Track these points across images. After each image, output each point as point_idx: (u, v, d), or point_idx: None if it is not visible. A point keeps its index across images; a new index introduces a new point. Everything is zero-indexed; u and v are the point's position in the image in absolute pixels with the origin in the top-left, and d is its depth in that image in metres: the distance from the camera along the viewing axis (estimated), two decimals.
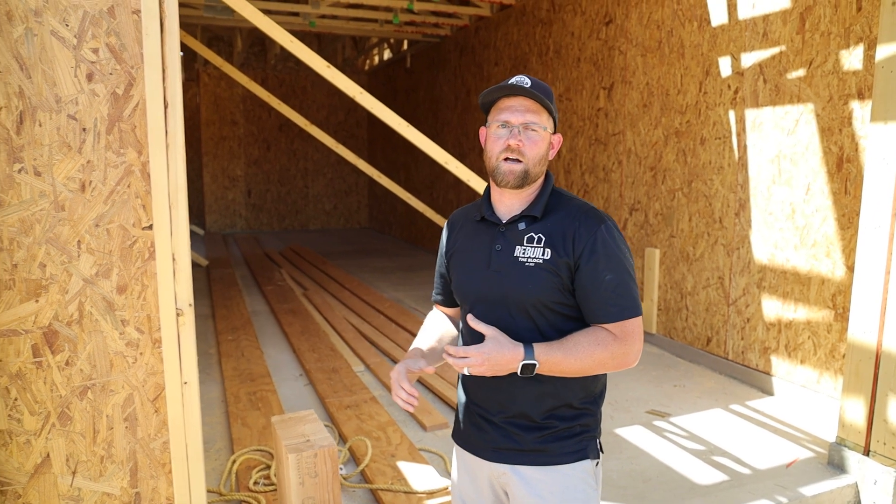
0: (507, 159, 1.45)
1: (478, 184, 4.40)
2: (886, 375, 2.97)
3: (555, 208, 1.50)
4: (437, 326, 1.72)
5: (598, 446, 1.55)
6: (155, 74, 1.56)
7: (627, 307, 1.42)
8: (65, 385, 1.68)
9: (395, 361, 4.77)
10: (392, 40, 11.03)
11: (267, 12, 7.38)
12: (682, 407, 3.98)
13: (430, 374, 4.35)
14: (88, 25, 1.58)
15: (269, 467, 3.04)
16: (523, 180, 1.46)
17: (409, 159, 10.98)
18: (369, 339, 5.27)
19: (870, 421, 3.06)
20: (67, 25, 1.57)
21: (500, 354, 1.37)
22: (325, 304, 6.29)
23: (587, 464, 1.51)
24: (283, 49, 11.65)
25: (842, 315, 3.76)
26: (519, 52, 7.13)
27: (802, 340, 4.01)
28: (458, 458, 1.67)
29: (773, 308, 4.18)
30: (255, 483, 2.91)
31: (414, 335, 5.30)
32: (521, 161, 1.45)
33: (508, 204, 1.53)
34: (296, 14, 7.74)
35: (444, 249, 1.70)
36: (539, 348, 1.38)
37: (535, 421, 1.48)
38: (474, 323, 1.43)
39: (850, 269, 3.68)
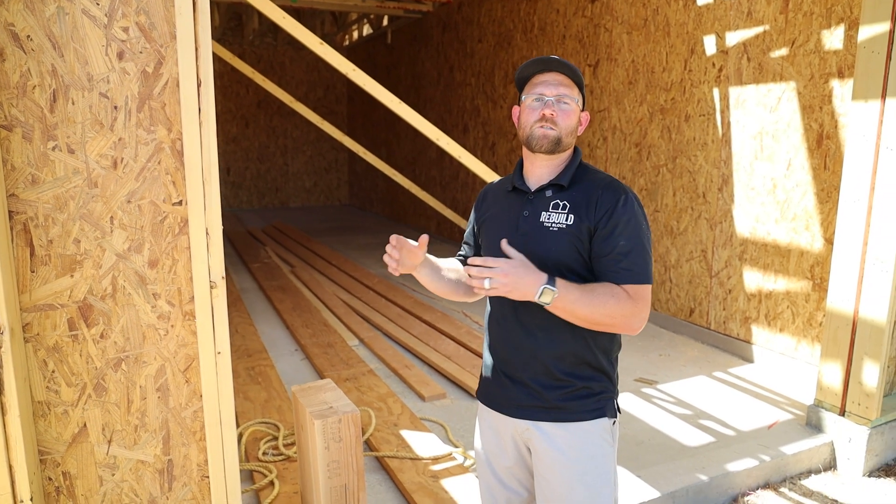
0: (541, 127, 1.56)
1: (469, 160, 4.47)
2: (862, 341, 3.15)
3: (581, 179, 1.61)
4: (454, 262, 1.86)
5: (616, 406, 1.66)
6: (188, 53, 1.59)
7: (638, 273, 1.51)
8: (100, 357, 1.74)
9: (387, 335, 4.86)
10: (373, 16, 10.93)
11: None
12: (668, 375, 4.15)
13: (424, 346, 4.46)
14: (118, 4, 1.61)
15: (276, 438, 3.12)
16: (556, 146, 1.57)
17: (390, 136, 10.97)
18: (361, 315, 5.35)
19: (846, 383, 3.25)
20: (98, 4, 1.59)
21: (525, 272, 1.45)
22: (313, 281, 6.34)
23: (605, 421, 1.62)
24: (260, 24, 11.47)
25: (819, 285, 3.94)
26: (503, 28, 7.16)
27: (781, 310, 4.19)
28: (483, 419, 1.78)
29: (754, 279, 4.35)
30: (265, 453, 2.99)
31: (404, 310, 5.40)
32: (554, 129, 1.56)
33: (539, 174, 1.64)
34: None
35: (473, 217, 1.84)
36: (560, 281, 1.47)
37: (556, 378, 1.59)
38: (506, 247, 1.50)
39: (828, 241, 3.85)
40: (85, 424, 1.75)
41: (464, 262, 1.87)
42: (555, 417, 1.60)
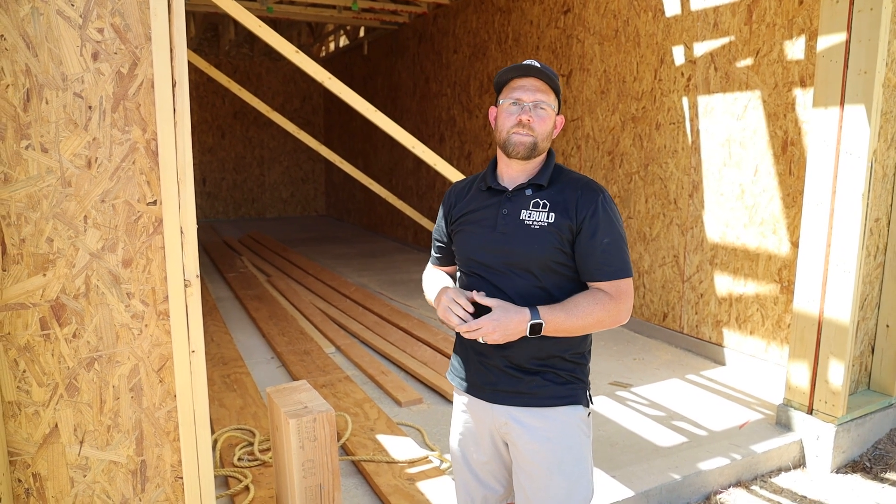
0: (517, 133, 1.61)
1: (444, 168, 4.51)
2: (828, 341, 3.24)
3: (557, 179, 1.67)
4: (442, 275, 1.87)
5: (588, 397, 1.70)
6: (163, 54, 1.61)
7: (621, 268, 1.60)
8: (72, 357, 1.73)
9: (364, 343, 4.86)
10: (349, 27, 10.99)
11: None
12: (642, 378, 4.21)
13: (401, 352, 4.47)
14: (94, 6, 1.62)
15: (251, 444, 3.11)
16: (531, 151, 1.63)
17: (367, 146, 11.00)
18: (337, 323, 5.34)
19: (813, 383, 3.33)
20: (73, 5, 1.61)
21: (508, 319, 1.51)
22: (289, 290, 6.32)
23: (580, 411, 1.66)
24: (237, 35, 11.46)
25: (787, 288, 4.04)
26: (478, 39, 7.25)
27: (751, 313, 4.29)
28: (458, 416, 1.81)
29: (725, 283, 4.45)
30: (240, 459, 2.97)
31: (381, 317, 5.40)
32: (530, 135, 1.61)
33: (514, 175, 1.69)
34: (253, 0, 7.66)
35: (443, 216, 1.84)
36: (543, 309, 1.53)
37: (530, 369, 1.63)
38: (481, 299, 1.56)
39: (794, 244, 3.96)
40: (56, 425, 1.74)
41: (438, 263, 1.90)
42: (528, 402, 1.63)
